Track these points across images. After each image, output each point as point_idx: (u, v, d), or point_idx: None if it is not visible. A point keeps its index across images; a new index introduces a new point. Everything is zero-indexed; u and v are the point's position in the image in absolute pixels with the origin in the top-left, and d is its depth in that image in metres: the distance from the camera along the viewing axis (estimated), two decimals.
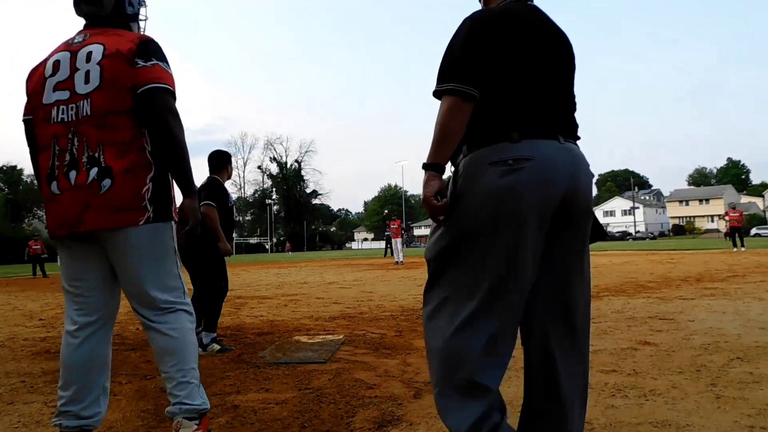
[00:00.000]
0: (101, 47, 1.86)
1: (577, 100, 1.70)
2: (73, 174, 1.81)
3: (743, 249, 17.30)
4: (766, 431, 1.94)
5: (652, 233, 66.18)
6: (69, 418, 1.85)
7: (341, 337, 4.16)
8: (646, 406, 2.25)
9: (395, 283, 9.63)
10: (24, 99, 1.99)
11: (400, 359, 3.31)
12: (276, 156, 76.74)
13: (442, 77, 1.54)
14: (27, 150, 2.01)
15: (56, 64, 1.90)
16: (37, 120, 1.91)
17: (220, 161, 4.18)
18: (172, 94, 1.89)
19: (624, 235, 64.70)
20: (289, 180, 75.39)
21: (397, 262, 16.78)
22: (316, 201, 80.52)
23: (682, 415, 2.12)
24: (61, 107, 1.85)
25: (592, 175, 1.63)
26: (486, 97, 1.52)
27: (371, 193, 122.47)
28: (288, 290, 8.92)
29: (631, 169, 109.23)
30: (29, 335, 4.90)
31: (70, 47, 1.91)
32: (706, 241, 34.22)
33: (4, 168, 67.95)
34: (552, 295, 1.57)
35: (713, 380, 2.58)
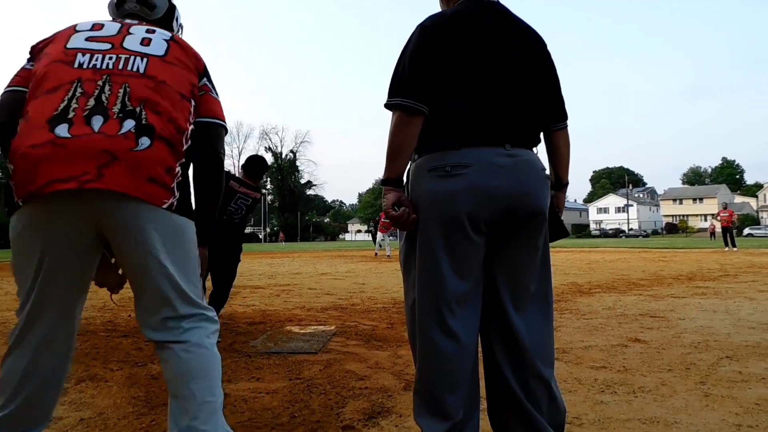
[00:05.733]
0: (168, 32, 1.64)
1: (564, 96, 1.68)
2: (97, 120, 1.41)
3: (735, 249, 17.42)
4: (754, 429, 1.95)
5: (645, 231, 66.58)
6: None
7: (333, 328, 4.17)
8: (635, 403, 2.26)
9: (388, 275, 9.63)
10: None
11: (391, 351, 3.31)
12: (271, 146, 76.58)
13: (390, 90, 1.54)
14: None
15: (97, 25, 1.60)
16: (47, 64, 1.51)
17: (259, 168, 4.32)
18: (226, 132, 1.70)
19: (617, 233, 65.11)
20: (283, 170, 75.21)
21: (388, 256, 16.77)
22: (310, 192, 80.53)
23: (670, 413, 2.13)
24: (96, 55, 1.52)
25: (547, 179, 1.61)
26: (433, 106, 1.51)
27: (366, 185, 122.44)
28: (281, 280, 8.92)
29: (626, 166, 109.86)
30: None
31: (118, 20, 1.66)
32: (698, 240, 34.43)
33: None
34: (506, 298, 1.57)
35: (702, 378, 2.60)
